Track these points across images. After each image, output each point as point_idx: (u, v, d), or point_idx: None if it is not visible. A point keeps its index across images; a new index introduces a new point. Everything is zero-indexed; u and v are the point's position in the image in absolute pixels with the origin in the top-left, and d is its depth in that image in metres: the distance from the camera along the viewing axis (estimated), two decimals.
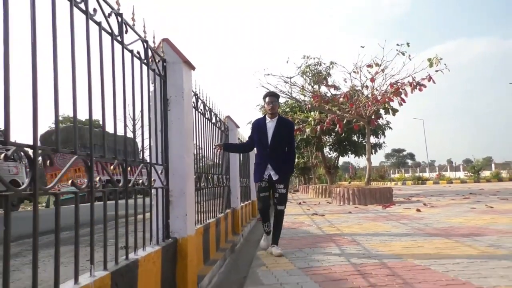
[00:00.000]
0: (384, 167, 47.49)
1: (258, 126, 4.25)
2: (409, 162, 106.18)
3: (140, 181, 2.18)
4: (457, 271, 3.03)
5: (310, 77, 15.16)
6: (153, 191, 2.40)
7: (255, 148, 4.37)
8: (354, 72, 10.84)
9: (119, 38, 1.89)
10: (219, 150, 4.32)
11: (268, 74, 12.84)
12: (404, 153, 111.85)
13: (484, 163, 42.09)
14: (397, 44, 10.39)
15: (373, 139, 15.99)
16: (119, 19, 1.89)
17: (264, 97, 4.25)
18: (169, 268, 2.41)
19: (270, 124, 4.18)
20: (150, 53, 2.34)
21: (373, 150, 16.25)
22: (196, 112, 3.53)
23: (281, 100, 15.42)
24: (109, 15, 1.79)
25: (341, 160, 24.60)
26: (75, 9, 1.52)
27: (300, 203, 12.91)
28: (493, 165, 38.56)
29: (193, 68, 2.90)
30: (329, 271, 3.26)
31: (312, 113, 13.10)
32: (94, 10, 1.66)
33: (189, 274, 2.58)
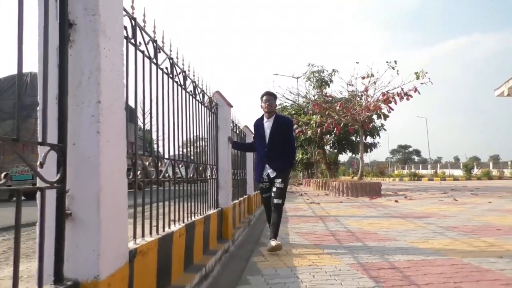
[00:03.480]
0: (384, 164, 49.12)
1: (257, 126, 4.33)
2: (416, 158, 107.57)
3: (208, 175, 4.05)
4: (393, 234, 4.87)
5: (314, 83, 16.92)
6: (211, 181, 4.26)
7: None
8: (350, 85, 12.68)
9: (203, 103, 3.76)
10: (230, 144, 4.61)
11: (276, 74, 14.66)
12: (410, 149, 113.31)
13: (490, 161, 43.89)
14: (387, 62, 12.19)
15: (369, 139, 17.81)
16: (203, 93, 3.76)
17: (261, 97, 4.30)
18: (219, 223, 4.27)
19: (267, 124, 4.22)
20: (212, 103, 4.21)
21: (368, 149, 18.09)
22: None
23: (288, 103, 17.31)
24: (200, 91, 3.65)
25: (347, 156, 26.42)
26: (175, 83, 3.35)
27: (301, 194, 14.81)
28: (491, 164, 40.12)
29: (231, 106, 4.76)
30: (313, 233, 5.13)
31: (314, 116, 14.92)
32: (194, 88, 3.49)
33: (229, 229, 4.45)
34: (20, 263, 3.46)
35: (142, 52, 2.21)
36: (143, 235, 2.17)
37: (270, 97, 4.28)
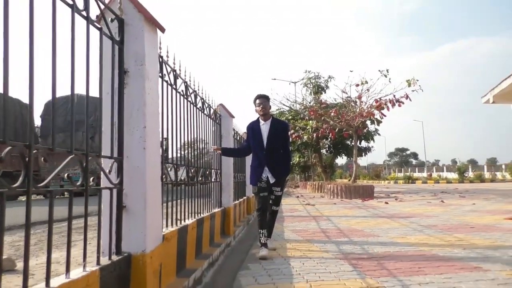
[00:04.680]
0: (380, 167, 49.80)
1: (253, 129, 4.23)
2: (413, 161, 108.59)
3: (213, 178, 4.63)
4: (377, 231, 5.46)
5: (310, 88, 17.55)
6: (215, 183, 4.84)
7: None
8: (344, 92, 13.32)
9: (210, 116, 4.35)
10: (218, 152, 4.45)
11: (274, 79, 15.31)
12: (407, 152, 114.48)
13: (487, 164, 45.05)
14: (379, 70, 12.82)
15: (364, 143, 18.44)
16: (210, 107, 4.34)
17: (254, 100, 4.22)
18: (222, 221, 4.84)
19: (264, 127, 4.16)
20: (216, 114, 4.80)
21: (363, 153, 18.73)
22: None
23: (285, 109, 17.96)
24: (207, 106, 4.23)
25: (344, 159, 27.02)
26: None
27: (298, 197, 15.40)
28: (485, 167, 40.87)
29: (233, 117, 5.35)
30: (306, 231, 5.71)
31: (310, 121, 15.55)
32: (203, 103, 4.07)
33: (231, 226, 5.02)
34: (53, 252, 4.03)
35: (166, 81, 2.80)
36: (166, 226, 2.75)
37: (263, 99, 4.19)
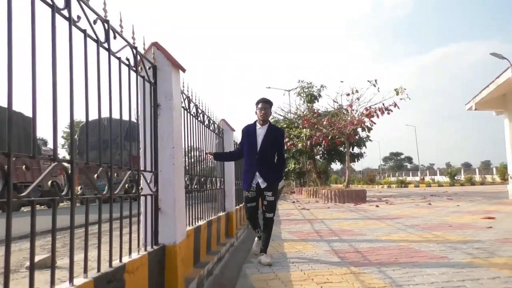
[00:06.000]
0: (373, 172, 50.60)
1: (248, 132, 4.19)
2: (408, 165, 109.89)
3: (218, 186, 5.23)
4: (365, 231, 6.07)
5: (304, 97, 18.25)
6: (220, 190, 5.45)
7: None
8: (335, 102, 14.04)
9: (214, 131, 4.97)
10: (210, 158, 4.47)
11: (269, 87, 15.94)
12: (402, 156, 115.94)
13: (481, 167, 46.02)
14: (368, 80, 13.57)
15: (356, 149, 19.16)
16: (214, 123, 4.96)
17: (257, 103, 4.15)
18: (226, 223, 5.43)
19: (260, 131, 4.11)
20: (219, 129, 5.42)
21: (355, 159, 19.44)
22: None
23: (280, 118, 18.66)
24: (212, 122, 4.85)
25: (339, 165, 27.70)
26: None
27: (294, 202, 16.00)
28: (477, 170, 41.78)
29: (234, 130, 5.97)
30: (301, 232, 6.31)
31: (304, 130, 16.23)
32: (209, 121, 4.69)
33: (233, 228, 5.62)
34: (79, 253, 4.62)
35: (183, 107, 3.42)
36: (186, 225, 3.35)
37: (266, 105, 4.13)
